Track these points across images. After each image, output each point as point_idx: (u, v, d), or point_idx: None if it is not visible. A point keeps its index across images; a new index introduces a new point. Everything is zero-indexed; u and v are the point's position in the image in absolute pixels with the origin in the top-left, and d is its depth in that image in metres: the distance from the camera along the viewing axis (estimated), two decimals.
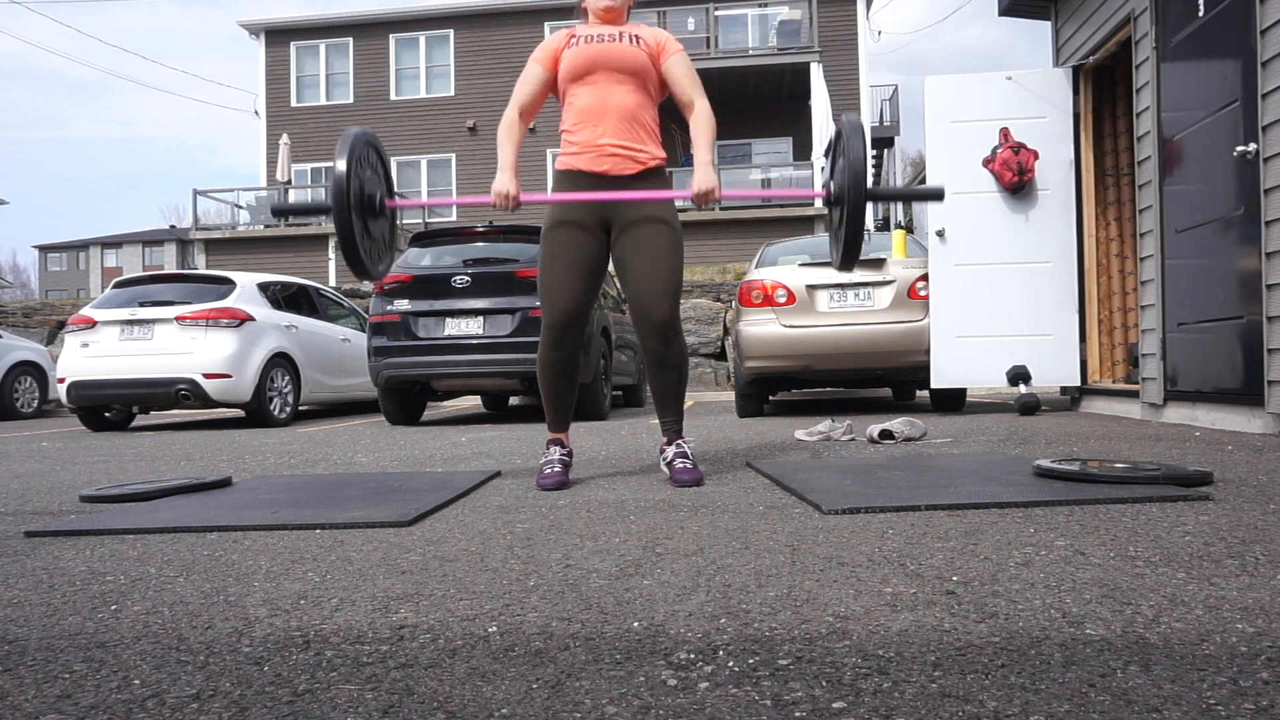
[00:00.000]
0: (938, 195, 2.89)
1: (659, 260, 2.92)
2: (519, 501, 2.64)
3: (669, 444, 3.05)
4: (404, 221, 20.87)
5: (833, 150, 2.95)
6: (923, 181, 14.66)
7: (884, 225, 25.01)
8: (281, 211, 2.95)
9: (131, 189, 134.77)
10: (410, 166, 21.65)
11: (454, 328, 6.42)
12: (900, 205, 24.63)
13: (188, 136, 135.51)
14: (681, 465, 2.93)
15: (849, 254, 2.83)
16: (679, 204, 17.95)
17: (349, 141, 2.68)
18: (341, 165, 2.64)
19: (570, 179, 2.96)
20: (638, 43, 2.92)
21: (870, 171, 2.73)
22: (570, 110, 2.95)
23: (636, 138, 2.92)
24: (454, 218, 21.17)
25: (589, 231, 2.95)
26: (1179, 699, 1.01)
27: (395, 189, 3.01)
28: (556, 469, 2.94)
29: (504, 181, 2.83)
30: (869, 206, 2.74)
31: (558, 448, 3.04)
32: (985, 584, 1.53)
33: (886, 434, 4.17)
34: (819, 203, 17.65)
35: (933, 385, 6.08)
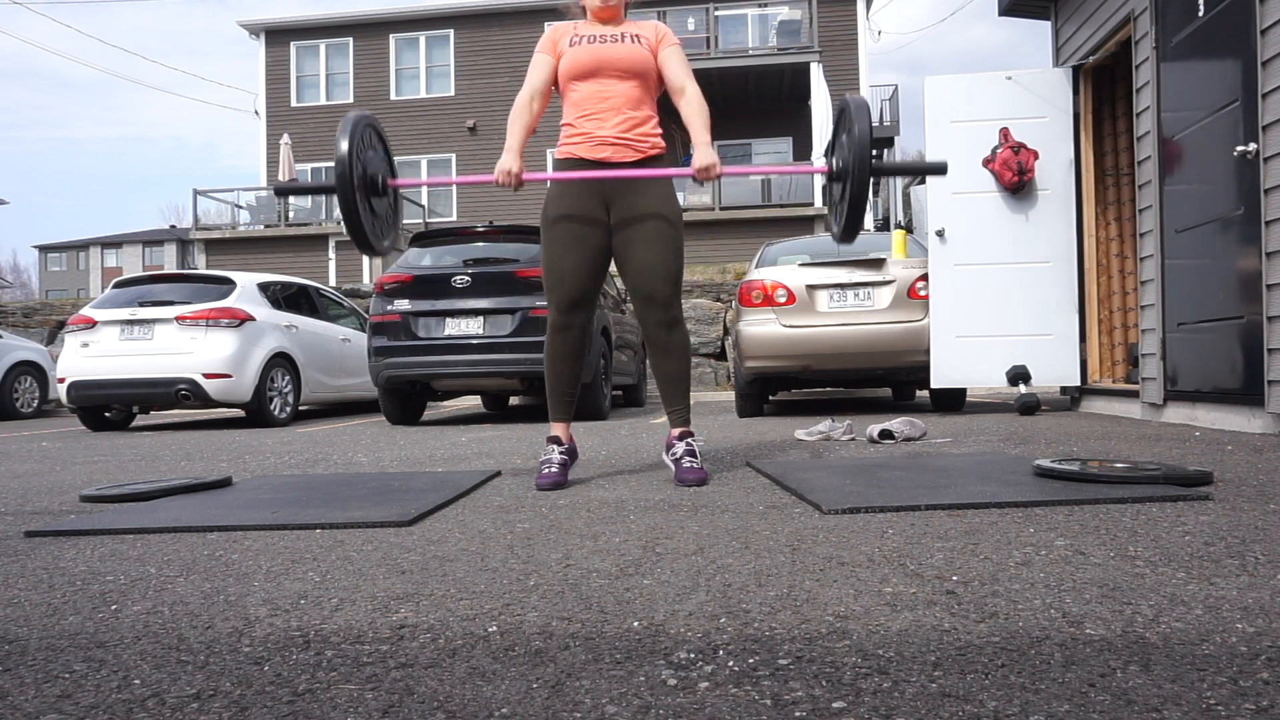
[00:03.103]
0: (940, 169, 2.96)
1: (660, 248, 2.95)
2: (519, 501, 2.64)
3: (679, 438, 3.01)
4: (404, 221, 20.87)
5: (836, 126, 2.98)
6: (923, 181, 14.66)
7: (884, 225, 24.99)
8: (284, 191, 3.09)
9: (134, 190, 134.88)
10: (410, 166, 21.64)
11: (454, 328, 6.41)
12: (900, 205, 24.61)
13: (191, 137, 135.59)
14: (689, 464, 2.92)
15: (850, 227, 2.88)
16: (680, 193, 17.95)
17: (350, 124, 2.79)
18: (344, 146, 2.75)
19: (569, 166, 2.97)
20: (638, 41, 2.94)
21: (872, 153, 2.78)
22: (570, 105, 2.98)
23: (637, 128, 2.95)
24: (454, 218, 21.17)
25: (590, 224, 2.97)
26: (1179, 699, 1.01)
27: (396, 169, 3.11)
28: (554, 469, 2.93)
29: (508, 160, 2.90)
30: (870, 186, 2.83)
31: (556, 446, 3.03)
32: (985, 584, 1.53)
33: (886, 434, 4.17)
34: (819, 182, 17.68)
35: (933, 385, 6.08)
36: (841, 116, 2.92)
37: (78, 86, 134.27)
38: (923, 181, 13.74)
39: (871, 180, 2.78)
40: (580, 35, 2.96)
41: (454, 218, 21.24)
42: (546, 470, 2.93)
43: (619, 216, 2.98)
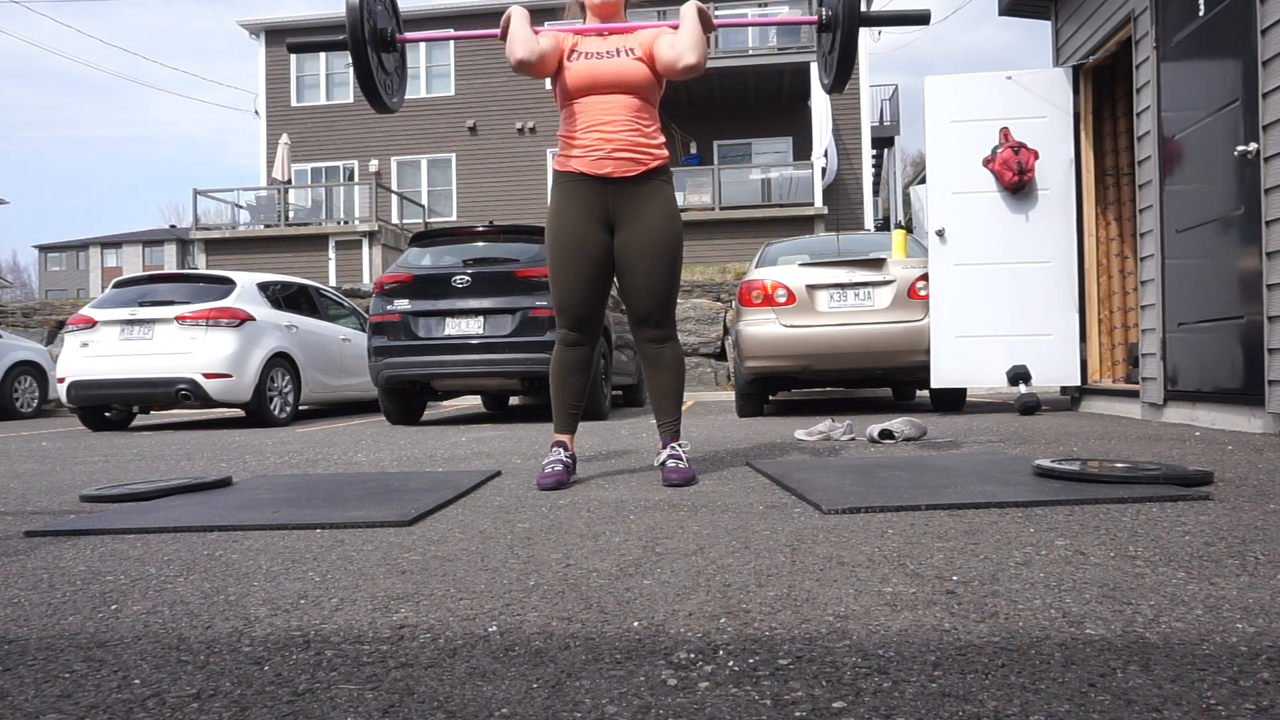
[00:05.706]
0: (922, 19, 2.94)
1: (656, 265, 2.95)
2: (519, 501, 2.64)
3: (664, 446, 3.06)
4: (404, 221, 20.87)
5: None
6: (923, 181, 14.68)
7: (884, 225, 24.99)
8: (296, 48, 2.99)
9: (140, 189, 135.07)
10: (410, 166, 21.64)
11: (454, 328, 6.42)
12: (900, 205, 24.63)
13: (198, 136, 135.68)
14: (673, 465, 2.94)
15: (840, 77, 2.90)
16: (680, 193, 17.93)
17: None
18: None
19: (572, 180, 2.95)
20: (630, 54, 2.90)
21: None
22: (571, 117, 2.94)
23: (639, 138, 2.92)
24: (454, 217, 21.17)
25: (594, 229, 2.95)
26: (1179, 699, 1.01)
27: (402, 25, 3.09)
28: (557, 468, 2.94)
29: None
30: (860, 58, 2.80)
31: (561, 449, 3.04)
32: (985, 584, 1.53)
33: (886, 434, 4.17)
34: (818, 181, 17.66)
35: (933, 385, 6.08)
36: None
37: (86, 86, 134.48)
38: (923, 182, 13.73)
39: (859, 29, 2.76)
40: (579, 52, 2.92)
41: (454, 217, 21.24)
42: (549, 469, 2.94)
43: (620, 228, 2.97)
